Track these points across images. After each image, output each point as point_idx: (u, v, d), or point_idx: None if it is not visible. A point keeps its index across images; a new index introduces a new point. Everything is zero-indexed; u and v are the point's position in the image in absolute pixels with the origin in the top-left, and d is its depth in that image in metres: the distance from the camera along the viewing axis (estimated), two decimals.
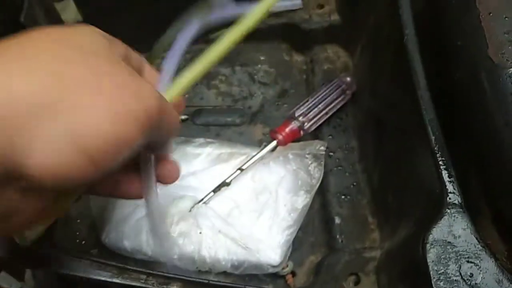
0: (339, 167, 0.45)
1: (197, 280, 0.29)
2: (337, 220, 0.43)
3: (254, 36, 0.54)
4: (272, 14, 0.52)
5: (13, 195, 0.20)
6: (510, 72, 0.29)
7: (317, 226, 0.44)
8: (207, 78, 0.52)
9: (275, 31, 0.52)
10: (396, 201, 0.39)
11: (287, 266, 0.40)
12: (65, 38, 0.21)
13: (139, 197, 0.27)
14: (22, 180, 0.19)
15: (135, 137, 0.20)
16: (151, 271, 0.29)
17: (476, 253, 0.28)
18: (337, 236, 0.42)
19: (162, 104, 0.22)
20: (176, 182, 0.44)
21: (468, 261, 0.28)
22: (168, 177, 0.29)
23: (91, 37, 0.22)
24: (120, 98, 0.19)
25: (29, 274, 0.59)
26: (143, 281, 0.29)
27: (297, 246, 0.42)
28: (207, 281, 0.29)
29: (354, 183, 0.45)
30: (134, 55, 0.26)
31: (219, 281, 0.29)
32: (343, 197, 0.44)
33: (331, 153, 0.46)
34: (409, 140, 0.37)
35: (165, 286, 0.29)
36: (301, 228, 0.42)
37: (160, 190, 0.44)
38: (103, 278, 0.29)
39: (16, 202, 0.20)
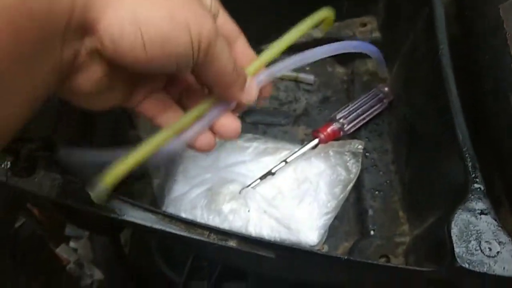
0: (374, 166, 0.50)
1: (251, 238, 0.34)
2: (370, 212, 0.47)
3: (301, 49, 0.61)
4: (318, 30, 0.59)
5: (82, 51, 0.24)
6: None
7: (351, 217, 0.49)
8: None
9: (320, 45, 0.59)
10: (425, 196, 0.43)
11: (323, 248, 0.45)
12: None
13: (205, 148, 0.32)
14: (91, 39, 0.23)
15: (184, 45, 0.24)
16: (213, 227, 0.34)
17: (495, 232, 0.32)
18: (370, 226, 0.46)
19: (215, 34, 0.26)
20: (229, 168, 0.50)
21: (487, 239, 0.32)
22: (228, 128, 0.32)
23: None
24: (181, 8, 0.24)
25: (88, 246, 0.66)
26: (206, 236, 0.35)
27: (333, 233, 0.47)
28: (260, 239, 0.35)
29: (387, 181, 0.49)
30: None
31: (268, 240, 0.34)
32: (376, 192, 0.49)
33: (367, 154, 0.51)
34: (439, 143, 0.42)
35: (224, 242, 0.34)
36: (337, 218, 0.47)
37: (214, 174, 0.50)
38: (173, 231, 0.35)
39: (83, 58, 0.24)
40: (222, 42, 0.27)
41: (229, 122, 0.32)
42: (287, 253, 0.34)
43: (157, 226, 0.35)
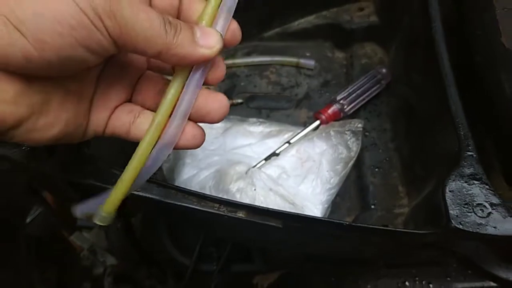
0: (374, 145, 0.53)
1: (259, 207, 0.37)
2: (371, 188, 0.50)
3: (301, 34, 0.63)
4: (318, 16, 0.61)
5: None
6: None
7: (353, 193, 0.51)
8: (260, 69, 0.60)
9: (319, 31, 0.61)
10: (423, 169, 0.45)
11: None
12: None
13: None
14: None
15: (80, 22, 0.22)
16: (222, 199, 0.37)
17: (487, 195, 0.34)
18: (370, 201, 0.49)
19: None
20: (236, 150, 0.53)
21: (479, 202, 0.34)
22: (212, 106, 0.29)
23: None
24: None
25: (100, 234, 0.69)
26: (216, 208, 0.37)
27: (335, 209, 0.50)
28: (266, 209, 0.37)
29: (387, 158, 0.51)
30: None
31: (276, 209, 0.36)
32: (376, 169, 0.51)
33: (367, 133, 0.53)
34: (434, 117, 0.44)
35: (233, 213, 0.37)
36: (339, 195, 0.50)
37: (221, 157, 0.52)
38: (186, 205, 0.37)
39: None
40: (126, 1, 0.24)
41: (211, 99, 0.29)
42: (294, 221, 0.36)
43: (170, 200, 0.37)
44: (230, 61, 0.59)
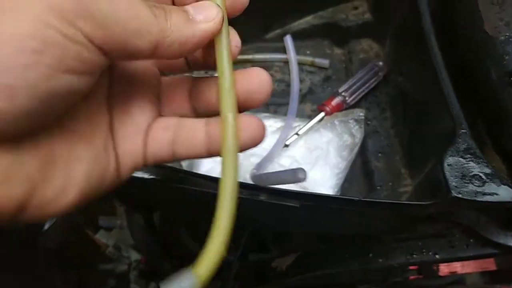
0: (376, 132, 0.57)
1: (277, 189, 0.41)
2: (376, 172, 0.54)
3: (301, 34, 0.67)
4: (315, 16, 0.65)
5: None
6: (501, 39, 0.41)
7: (359, 178, 0.55)
8: (265, 68, 0.64)
9: (318, 30, 0.65)
10: (421, 150, 0.50)
11: None
12: None
13: None
14: None
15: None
16: (244, 183, 0.41)
17: (481, 167, 0.38)
18: (376, 184, 0.53)
19: None
20: None
21: (475, 173, 0.38)
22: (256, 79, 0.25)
23: None
24: None
25: (127, 232, 0.73)
26: (239, 192, 0.41)
27: (344, 193, 0.54)
28: (284, 190, 0.41)
29: (389, 144, 0.56)
30: None
31: (293, 190, 0.40)
32: (380, 154, 0.55)
33: (369, 122, 0.58)
34: (428, 101, 0.48)
35: (255, 196, 0.41)
36: (346, 180, 0.54)
37: None
38: (211, 191, 0.41)
39: None
40: None
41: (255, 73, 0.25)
42: (309, 200, 0.40)
43: (197, 188, 0.41)
44: (250, 56, 0.63)
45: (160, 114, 0.27)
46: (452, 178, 0.38)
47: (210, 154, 0.25)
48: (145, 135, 0.25)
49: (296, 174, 0.31)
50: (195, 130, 0.25)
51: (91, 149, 0.22)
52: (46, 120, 0.19)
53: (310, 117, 0.59)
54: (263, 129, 0.26)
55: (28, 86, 0.16)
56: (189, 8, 0.22)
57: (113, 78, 0.25)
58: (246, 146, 0.25)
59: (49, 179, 0.19)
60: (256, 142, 0.25)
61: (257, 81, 0.25)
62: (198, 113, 0.27)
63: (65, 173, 0.20)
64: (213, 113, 0.26)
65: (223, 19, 0.23)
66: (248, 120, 0.25)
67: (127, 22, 0.19)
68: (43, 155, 0.19)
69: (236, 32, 0.25)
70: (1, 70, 0.16)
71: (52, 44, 0.16)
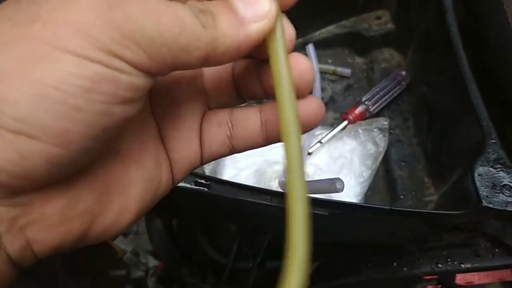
0: (399, 141, 0.57)
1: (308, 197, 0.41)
2: (399, 181, 0.54)
3: (322, 43, 0.68)
4: (338, 25, 0.66)
5: None
6: None
7: (382, 187, 0.55)
8: None
9: (340, 39, 0.66)
10: (447, 160, 0.50)
11: None
12: None
13: None
14: None
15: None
16: (274, 191, 0.41)
17: (511, 177, 0.38)
18: (399, 193, 0.53)
19: None
20: (272, 150, 0.57)
21: (505, 183, 0.38)
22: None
23: None
24: None
25: (145, 238, 0.73)
26: (268, 200, 0.41)
27: (367, 202, 0.54)
28: (313, 198, 0.41)
29: (412, 153, 0.56)
30: None
31: (322, 198, 0.41)
32: (403, 163, 0.55)
33: (391, 131, 0.58)
34: (455, 111, 0.48)
35: (282, 203, 0.41)
36: (370, 189, 0.54)
37: (259, 157, 0.57)
38: (241, 198, 0.41)
39: None
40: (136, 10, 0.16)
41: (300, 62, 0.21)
42: (338, 209, 0.40)
43: (228, 195, 0.42)
44: None
45: (208, 107, 0.25)
46: (482, 188, 0.38)
47: (268, 142, 0.24)
48: (199, 136, 0.23)
49: (334, 184, 0.31)
50: (249, 121, 0.23)
51: (143, 168, 0.21)
52: (100, 152, 0.18)
53: (332, 125, 0.60)
54: (322, 107, 0.23)
55: (84, 126, 0.16)
56: (236, 2, 0.19)
57: (154, 86, 0.22)
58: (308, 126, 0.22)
59: (107, 209, 0.19)
60: (318, 120, 0.23)
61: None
62: (243, 98, 0.25)
63: (122, 199, 0.20)
64: (260, 97, 0.24)
65: (277, 12, 0.19)
66: (307, 101, 0.22)
67: (174, 40, 0.17)
68: (99, 186, 0.19)
69: (289, 22, 0.21)
70: (54, 116, 0.15)
71: (102, 79, 0.16)
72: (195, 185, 0.42)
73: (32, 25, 0.15)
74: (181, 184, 0.42)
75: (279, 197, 0.41)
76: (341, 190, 0.32)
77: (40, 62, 0.15)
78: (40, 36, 0.15)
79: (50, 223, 0.17)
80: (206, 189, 0.42)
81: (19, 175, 0.15)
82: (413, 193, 0.52)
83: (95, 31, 0.15)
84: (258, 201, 0.41)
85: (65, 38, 0.15)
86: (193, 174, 0.42)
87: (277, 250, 0.70)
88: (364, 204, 0.45)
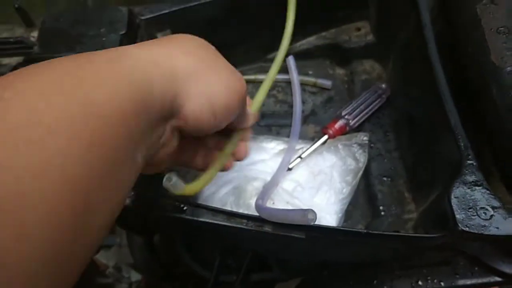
0: (379, 155, 0.57)
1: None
2: (380, 196, 0.54)
3: (303, 54, 0.67)
4: (318, 37, 0.65)
5: (168, 130, 0.29)
6: (508, 70, 0.41)
7: (363, 202, 0.55)
8: None
9: (320, 50, 0.65)
10: (427, 176, 0.49)
11: None
12: (193, 37, 0.32)
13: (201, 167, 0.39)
14: (176, 120, 0.28)
15: (237, 106, 0.32)
16: (250, 215, 0.40)
17: (488, 199, 0.38)
18: (380, 208, 0.53)
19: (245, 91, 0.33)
20: (251, 166, 0.56)
21: (482, 206, 0.38)
22: (240, 154, 0.41)
23: (201, 39, 0.33)
24: (231, 77, 0.31)
25: (127, 251, 0.72)
26: (244, 223, 0.41)
27: (348, 217, 0.53)
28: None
29: (392, 167, 0.55)
30: None
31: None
32: (384, 178, 0.55)
33: (372, 144, 0.57)
34: (434, 128, 0.48)
35: (260, 228, 0.40)
36: (350, 204, 0.53)
37: (238, 173, 0.56)
38: (216, 222, 0.41)
39: (167, 136, 0.29)
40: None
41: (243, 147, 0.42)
42: (316, 231, 0.39)
43: (203, 219, 0.41)
44: (252, 77, 0.63)
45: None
46: (459, 210, 0.38)
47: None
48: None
49: (306, 215, 0.30)
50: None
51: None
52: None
53: (313, 139, 0.59)
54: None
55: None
56: (248, 112, 0.39)
57: None
58: None
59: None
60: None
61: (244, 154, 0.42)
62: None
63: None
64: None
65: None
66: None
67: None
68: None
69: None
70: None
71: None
72: (173, 209, 0.41)
73: None
74: (159, 209, 0.41)
75: (256, 221, 0.41)
76: (314, 221, 0.32)
77: None
78: None
79: (172, 148, 0.31)
80: (183, 215, 0.41)
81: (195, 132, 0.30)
82: (393, 208, 0.52)
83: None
84: (235, 225, 0.41)
85: None
86: (171, 198, 0.42)
87: (262, 262, 0.69)
88: (340, 228, 0.45)
